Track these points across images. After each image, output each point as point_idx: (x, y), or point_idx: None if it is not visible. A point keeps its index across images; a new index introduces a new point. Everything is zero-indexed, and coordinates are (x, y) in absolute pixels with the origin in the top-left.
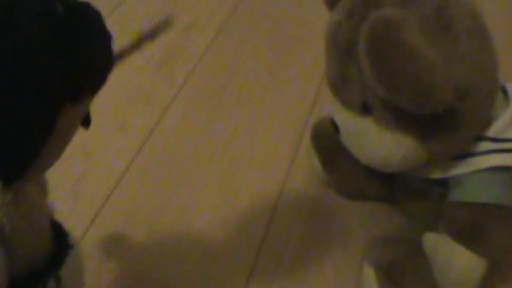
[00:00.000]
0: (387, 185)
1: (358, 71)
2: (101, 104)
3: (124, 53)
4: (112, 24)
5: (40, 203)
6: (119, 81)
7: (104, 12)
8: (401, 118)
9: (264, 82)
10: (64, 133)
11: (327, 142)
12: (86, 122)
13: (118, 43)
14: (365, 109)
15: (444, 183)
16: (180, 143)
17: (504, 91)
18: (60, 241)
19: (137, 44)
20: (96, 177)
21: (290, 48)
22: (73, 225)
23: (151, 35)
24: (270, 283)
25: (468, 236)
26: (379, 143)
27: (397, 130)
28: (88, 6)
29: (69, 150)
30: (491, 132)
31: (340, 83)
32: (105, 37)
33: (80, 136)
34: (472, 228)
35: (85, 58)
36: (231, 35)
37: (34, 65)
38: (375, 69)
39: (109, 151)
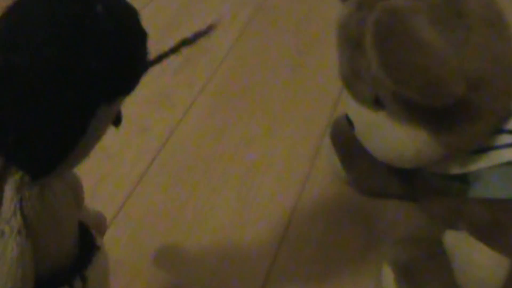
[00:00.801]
0: (407, 183)
1: (368, 64)
2: (122, 106)
3: (162, 57)
4: None
5: (66, 201)
6: (141, 83)
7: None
8: (414, 112)
9: (286, 83)
10: (96, 132)
11: (347, 140)
12: (117, 120)
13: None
14: (377, 103)
15: (463, 179)
16: (200, 145)
17: None
18: (86, 241)
19: (176, 48)
20: (117, 178)
21: (312, 48)
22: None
23: (192, 40)
24: (288, 284)
25: (489, 233)
26: (392, 138)
27: (410, 124)
28: (126, 6)
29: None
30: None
31: (351, 77)
32: (143, 37)
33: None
34: (492, 225)
35: (124, 59)
36: (253, 37)
37: (73, 66)
38: (381, 61)
39: (130, 152)
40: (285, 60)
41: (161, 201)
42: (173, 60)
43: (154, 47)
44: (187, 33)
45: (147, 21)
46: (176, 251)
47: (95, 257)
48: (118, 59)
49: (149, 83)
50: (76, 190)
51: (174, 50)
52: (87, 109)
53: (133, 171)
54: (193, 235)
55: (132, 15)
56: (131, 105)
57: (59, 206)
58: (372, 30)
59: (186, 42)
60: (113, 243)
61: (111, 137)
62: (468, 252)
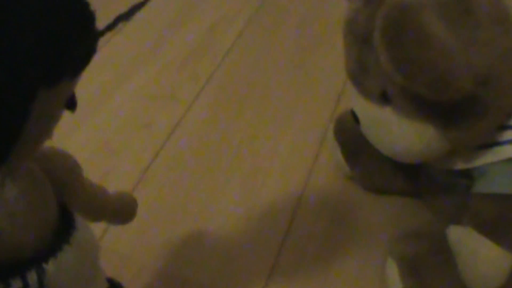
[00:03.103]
0: (412, 178)
1: (376, 59)
2: (125, 102)
3: (99, 34)
4: (139, 20)
5: (34, 193)
6: (144, 79)
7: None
8: (421, 107)
9: (289, 79)
10: (44, 116)
11: (350, 135)
12: (72, 104)
13: (142, 43)
14: (384, 99)
15: (468, 175)
16: (203, 140)
17: None
18: (62, 234)
19: (113, 24)
20: (120, 174)
21: (315, 45)
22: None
23: (127, 14)
24: (293, 279)
25: (494, 228)
26: (399, 133)
27: (417, 119)
28: None
29: (93, 147)
30: None
31: (358, 73)
32: (87, 20)
33: (104, 134)
34: (497, 220)
35: (63, 42)
36: (256, 33)
37: (6, 48)
38: (391, 56)
39: (133, 148)
40: (288, 56)
41: (165, 196)
42: (176, 56)
43: (156, 45)
44: (189, 30)
45: (150, 16)
46: (181, 246)
47: (62, 252)
48: (54, 42)
49: (153, 79)
50: (61, 172)
51: (110, 26)
52: (24, 93)
53: (136, 167)
54: (197, 230)
55: None
56: (134, 101)
57: (15, 200)
58: (382, 25)
59: (122, 17)
60: (118, 239)
61: (113, 133)
62: (473, 247)
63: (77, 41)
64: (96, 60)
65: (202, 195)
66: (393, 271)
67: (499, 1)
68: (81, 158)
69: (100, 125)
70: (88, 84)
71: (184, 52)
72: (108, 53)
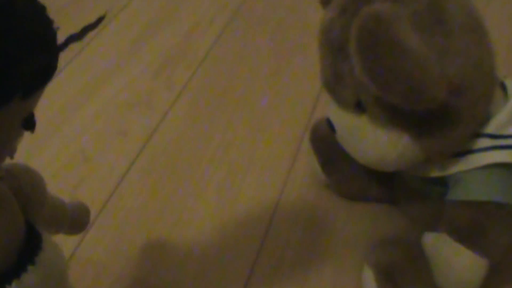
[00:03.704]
0: (388, 186)
1: (351, 69)
2: (100, 109)
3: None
4: (114, 28)
5: (9, 201)
6: (119, 86)
7: (107, 16)
8: (396, 116)
9: (264, 86)
10: (4, 129)
11: (326, 143)
12: (29, 125)
13: (117, 49)
14: (359, 108)
15: (443, 182)
16: (179, 147)
17: (503, 87)
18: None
19: (65, 43)
20: (95, 181)
21: (290, 52)
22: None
23: (80, 35)
24: (269, 286)
25: (468, 235)
26: (374, 142)
27: (392, 128)
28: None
29: (68, 154)
30: (490, 128)
31: (333, 82)
32: (38, 35)
33: (80, 141)
34: (472, 227)
35: (10, 58)
36: (232, 40)
37: None
38: (365, 66)
39: (108, 156)
40: (264, 63)
41: (141, 204)
42: (151, 63)
43: (131, 52)
44: (164, 36)
45: (125, 24)
46: (158, 253)
47: (26, 273)
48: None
49: (128, 86)
50: (27, 188)
51: (62, 46)
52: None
53: (112, 175)
54: (174, 238)
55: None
56: (110, 108)
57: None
58: (357, 35)
59: (73, 38)
60: (94, 246)
61: (89, 140)
62: (447, 253)
63: (27, 57)
64: (71, 67)
65: (179, 202)
66: (369, 278)
67: (472, 11)
68: (56, 165)
69: (75, 133)
70: (62, 91)
71: (159, 60)
72: (83, 60)
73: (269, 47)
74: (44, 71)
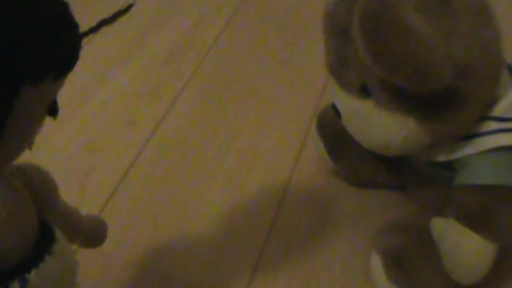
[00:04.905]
0: (396, 171)
1: (355, 52)
2: (108, 99)
3: (82, 36)
4: (122, 17)
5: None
6: (127, 76)
7: (111, 9)
8: (401, 99)
9: (272, 74)
10: (25, 117)
11: (333, 130)
12: (53, 111)
13: (125, 39)
14: (364, 92)
15: (451, 167)
16: (187, 136)
17: (510, 70)
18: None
19: (96, 28)
20: (104, 171)
21: (298, 40)
22: None
23: (111, 19)
24: (278, 273)
25: (477, 219)
26: (380, 126)
27: (398, 111)
28: None
29: (77, 144)
30: (497, 111)
31: (338, 66)
32: (69, 21)
33: (88, 131)
34: (480, 211)
35: (47, 40)
36: (239, 29)
37: None
38: (369, 49)
39: (117, 145)
40: (271, 51)
41: (148, 194)
42: (159, 52)
43: (139, 42)
44: (172, 26)
45: (133, 13)
46: (166, 242)
47: (44, 262)
48: (36, 35)
49: (136, 76)
50: (38, 186)
51: (94, 29)
52: (8, 87)
53: (120, 164)
54: (182, 226)
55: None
56: (118, 98)
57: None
58: (360, 17)
59: (105, 22)
60: None
61: (97, 130)
62: (456, 238)
63: (61, 40)
64: (79, 57)
65: (186, 191)
66: (377, 263)
67: None
68: (65, 156)
69: (84, 123)
70: (71, 82)
71: (167, 49)
72: (91, 50)
73: (276, 35)
74: (72, 53)
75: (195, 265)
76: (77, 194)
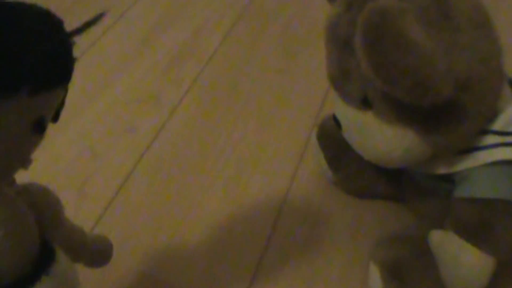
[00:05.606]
0: (395, 183)
1: (357, 64)
2: (109, 105)
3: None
4: (123, 25)
5: (24, 213)
6: (127, 82)
7: (112, 15)
8: (402, 111)
9: (273, 83)
10: (5, 134)
11: (333, 140)
12: (39, 129)
13: (126, 46)
14: (365, 104)
15: (450, 179)
16: (187, 144)
17: (511, 84)
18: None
19: (73, 33)
20: (103, 177)
21: (299, 49)
22: (79, 224)
23: (80, 30)
24: (275, 282)
25: (475, 233)
26: (380, 138)
27: (398, 123)
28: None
29: (77, 150)
30: (497, 125)
31: (339, 78)
32: (38, 37)
33: (88, 137)
34: (479, 224)
35: (9, 52)
36: (240, 37)
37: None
38: (371, 61)
39: (117, 152)
40: (272, 60)
41: (148, 200)
42: (160, 60)
43: (141, 48)
44: (173, 33)
45: (134, 21)
46: (165, 249)
47: (40, 283)
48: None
49: (136, 83)
50: (43, 206)
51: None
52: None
53: (120, 171)
54: (181, 233)
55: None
56: (118, 105)
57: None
58: (362, 30)
59: (74, 33)
60: None
61: (97, 136)
62: (454, 251)
63: (26, 53)
64: (80, 64)
65: (186, 198)
66: (375, 274)
67: (479, 5)
68: (65, 161)
69: (84, 129)
70: (71, 88)
71: (168, 56)
72: (92, 57)
73: (277, 44)
74: (49, 65)
75: (194, 273)
76: (77, 200)
